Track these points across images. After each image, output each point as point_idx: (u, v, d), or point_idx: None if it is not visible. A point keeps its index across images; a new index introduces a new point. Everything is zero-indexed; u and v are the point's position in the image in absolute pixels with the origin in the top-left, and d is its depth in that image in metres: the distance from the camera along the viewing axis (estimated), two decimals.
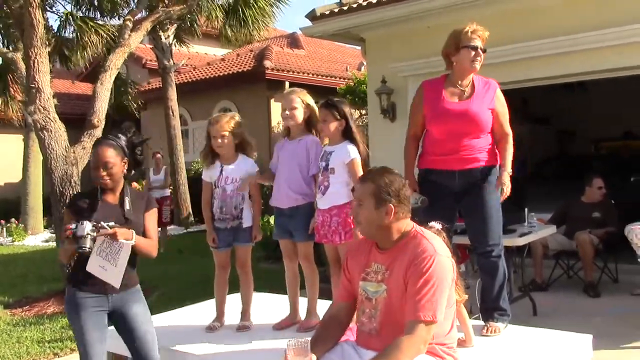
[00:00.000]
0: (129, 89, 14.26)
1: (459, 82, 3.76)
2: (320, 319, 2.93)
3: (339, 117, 3.55)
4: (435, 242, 2.64)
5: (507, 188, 3.62)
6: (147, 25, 7.85)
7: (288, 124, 3.78)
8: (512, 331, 3.63)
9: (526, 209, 5.77)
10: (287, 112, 3.70)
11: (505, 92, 7.72)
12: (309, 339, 2.55)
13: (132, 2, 11.38)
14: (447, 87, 3.77)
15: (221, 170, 3.84)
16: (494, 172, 3.74)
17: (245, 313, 3.94)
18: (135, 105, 14.35)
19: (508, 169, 3.68)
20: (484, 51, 3.73)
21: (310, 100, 3.76)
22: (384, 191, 2.65)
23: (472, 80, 3.77)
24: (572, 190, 7.26)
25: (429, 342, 2.52)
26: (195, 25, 14.46)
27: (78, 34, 11.04)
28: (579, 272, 6.59)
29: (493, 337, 3.53)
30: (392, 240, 2.68)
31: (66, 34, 11.28)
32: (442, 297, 2.53)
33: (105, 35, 11.24)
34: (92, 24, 11.09)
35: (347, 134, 3.58)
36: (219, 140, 3.78)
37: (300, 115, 3.70)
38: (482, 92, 3.74)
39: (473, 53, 3.67)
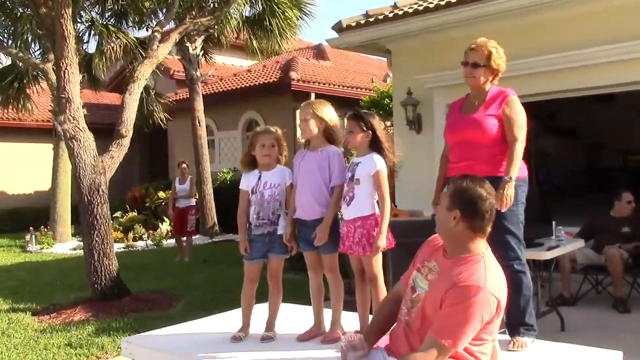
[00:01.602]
0: (157, 100, 14.43)
1: (473, 96, 3.85)
2: (344, 337, 2.93)
3: (365, 128, 3.55)
4: (490, 276, 2.57)
5: (508, 198, 3.51)
6: (175, 37, 7.96)
7: (303, 135, 3.84)
8: (540, 346, 3.57)
9: (554, 222, 5.69)
10: (300, 124, 3.76)
11: (532, 104, 7.73)
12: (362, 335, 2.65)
13: (160, 13, 11.54)
14: (465, 103, 3.90)
15: (259, 177, 3.88)
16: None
17: (270, 324, 3.94)
18: (162, 116, 14.51)
19: (510, 175, 3.56)
20: (480, 66, 3.72)
21: (326, 110, 3.73)
22: (457, 195, 2.66)
23: (486, 93, 3.79)
24: (600, 203, 7.15)
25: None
26: (222, 36, 14.61)
27: (100, 40, 11.23)
28: (608, 287, 6.48)
29: (520, 352, 3.47)
30: (455, 251, 2.67)
31: (89, 41, 11.52)
32: (471, 331, 2.49)
33: (126, 42, 11.42)
34: (113, 29, 11.27)
35: (374, 146, 3.57)
36: (267, 149, 3.84)
37: (312, 126, 3.70)
38: (490, 102, 3.75)
39: (464, 69, 3.79)
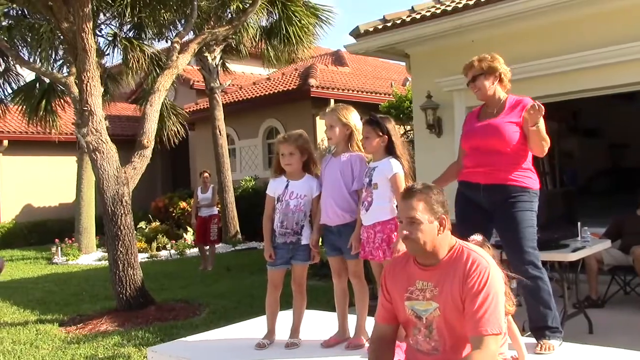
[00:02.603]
0: (176, 112, 14.53)
1: (489, 105, 3.88)
2: (369, 344, 2.91)
3: (381, 133, 3.55)
4: (483, 254, 2.63)
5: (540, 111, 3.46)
6: (194, 47, 8.02)
7: (329, 142, 3.84)
8: (567, 349, 3.52)
9: (579, 223, 5.62)
10: (327, 131, 3.75)
11: (555, 105, 7.65)
12: None
13: (178, 24, 11.64)
14: (482, 111, 3.93)
15: (287, 185, 3.89)
16: (524, 194, 3.68)
17: (295, 331, 3.94)
18: (181, 128, 14.61)
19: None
20: (479, 75, 3.78)
21: (352, 116, 3.76)
22: (435, 203, 2.63)
23: (504, 102, 3.82)
24: (625, 203, 7.06)
25: (498, 354, 2.53)
26: (240, 46, 14.69)
27: (124, 54, 11.35)
28: (636, 288, 6.37)
29: (547, 355, 3.43)
30: (438, 256, 2.65)
31: (112, 55, 11.65)
32: (502, 307, 2.54)
33: (150, 55, 11.53)
34: (137, 43, 11.40)
35: (390, 150, 3.57)
36: (287, 158, 3.84)
37: (338, 133, 3.71)
38: (509, 110, 3.77)
39: (471, 87, 3.86)
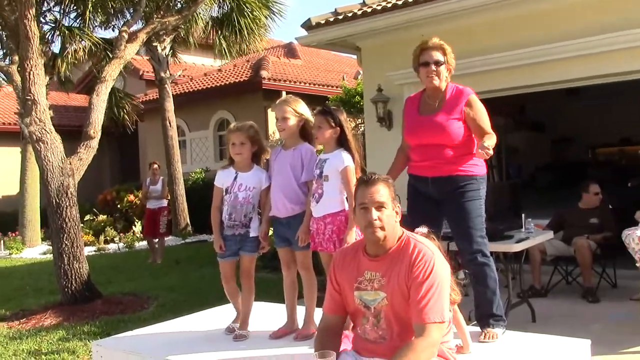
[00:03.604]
0: (125, 102, 14.26)
1: (431, 95, 3.84)
2: (316, 334, 2.92)
3: (334, 124, 3.56)
4: (429, 244, 2.68)
5: (489, 150, 3.43)
6: (142, 36, 7.87)
7: (281, 134, 3.80)
8: (510, 337, 3.61)
9: (523, 215, 5.76)
10: (279, 123, 3.72)
11: (502, 99, 7.80)
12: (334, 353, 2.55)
13: (127, 13, 11.41)
14: (422, 102, 3.88)
15: (235, 177, 3.85)
16: (473, 182, 3.74)
17: (244, 322, 3.92)
18: (130, 118, 14.35)
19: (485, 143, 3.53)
20: (443, 63, 3.74)
21: (303, 108, 3.75)
22: (394, 192, 2.67)
23: (445, 92, 3.80)
24: (569, 196, 7.27)
25: (440, 342, 2.57)
26: (191, 36, 14.50)
27: (63, 41, 11.07)
28: (577, 277, 6.58)
29: (491, 343, 3.51)
30: (388, 246, 2.68)
31: (54, 41, 11.35)
32: (446, 297, 2.60)
33: (92, 43, 11.27)
34: (77, 31, 11.12)
35: (342, 142, 3.58)
36: (237, 148, 3.81)
37: (292, 124, 3.70)
38: (451, 103, 3.76)
39: (426, 69, 3.75)
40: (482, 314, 3.72)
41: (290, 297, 3.87)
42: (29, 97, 6.66)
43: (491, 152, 3.44)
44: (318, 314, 3.80)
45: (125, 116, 14.14)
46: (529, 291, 6.17)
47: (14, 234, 14.22)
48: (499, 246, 5.17)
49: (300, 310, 3.86)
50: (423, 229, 2.91)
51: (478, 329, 3.66)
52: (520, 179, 11.38)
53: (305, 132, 3.77)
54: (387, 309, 2.65)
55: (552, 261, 6.68)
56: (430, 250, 2.62)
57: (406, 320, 2.61)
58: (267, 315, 4.28)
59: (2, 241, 13.81)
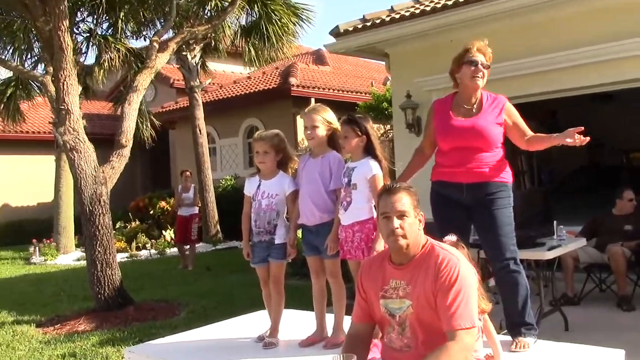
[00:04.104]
0: (147, 115, 14.42)
1: (466, 99, 3.79)
2: (344, 342, 2.93)
3: (360, 133, 3.56)
4: (453, 251, 2.67)
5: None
6: (172, 46, 7.97)
7: (310, 143, 3.81)
8: (543, 346, 3.56)
9: (555, 222, 5.68)
10: (309, 131, 3.73)
11: (534, 104, 7.73)
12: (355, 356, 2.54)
13: (157, 22, 11.57)
14: (455, 106, 3.82)
15: (259, 185, 3.90)
16: (504, 190, 3.72)
17: (273, 330, 3.94)
18: (152, 132, 14.49)
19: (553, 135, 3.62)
20: (487, 67, 3.73)
21: (331, 117, 3.77)
22: (417, 201, 2.68)
23: (480, 97, 3.78)
24: (602, 202, 7.14)
25: (473, 351, 2.56)
26: (220, 44, 14.62)
27: (99, 51, 11.27)
28: (611, 285, 6.46)
29: (522, 352, 3.47)
30: (411, 254, 2.68)
31: (87, 52, 11.58)
32: (474, 302, 2.59)
33: (125, 52, 11.46)
34: (112, 40, 11.31)
35: (369, 150, 3.59)
36: (261, 157, 3.85)
37: (321, 133, 3.72)
38: (489, 108, 3.75)
39: (472, 68, 3.70)
40: (513, 322, 3.67)
41: (320, 305, 3.88)
42: (62, 107, 6.80)
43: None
44: (347, 322, 3.80)
45: (146, 131, 14.26)
46: (561, 299, 6.07)
47: (48, 241, 14.47)
48: (531, 253, 5.11)
49: (330, 319, 3.86)
50: (452, 237, 2.90)
51: (509, 338, 3.61)
52: (551, 185, 11.24)
53: (332, 141, 3.79)
54: (412, 317, 2.65)
55: (585, 269, 6.56)
56: (455, 257, 2.62)
57: (431, 328, 2.60)
58: (297, 323, 4.29)
59: (37, 248, 14.07)
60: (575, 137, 3.44)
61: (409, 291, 2.65)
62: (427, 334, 2.63)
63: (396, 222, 2.63)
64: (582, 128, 3.45)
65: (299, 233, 3.94)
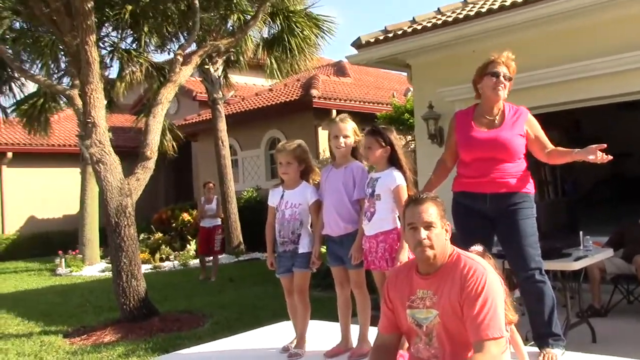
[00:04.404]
0: (171, 128, 14.60)
1: (488, 111, 3.79)
2: (370, 352, 2.93)
3: (384, 143, 3.58)
4: (480, 261, 2.67)
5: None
6: (196, 59, 8.08)
7: (339, 152, 3.81)
8: (570, 358, 3.53)
9: (581, 232, 5.63)
10: (340, 140, 3.74)
11: (557, 114, 7.67)
12: None
13: (181, 36, 11.73)
14: (477, 117, 3.82)
15: (282, 195, 3.94)
16: (527, 200, 3.71)
17: (300, 340, 3.96)
18: (174, 145, 14.64)
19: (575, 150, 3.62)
20: (509, 79, 3.74)
21: (356, 127, 3.81)
22: (443, 211, 2.68)
23: (503, 109, 3.78)
24: (627, 212, 7.06)
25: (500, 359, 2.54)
26: (242, 57, 14.75)
27: (121, 64, 11.47)
28: (639, 297, 6.37)
29: None
30: (438, 264, 2.68)
31: (112, 65, 11.81)
32: (502, 311, 2.57)
33: (147, 67, 11.63)
34: (135, 53, 11.49)
35: (393, 161, 3.60)
36: (284, 167, 3.89)
37: (350, 143, 3.76)
38: (511, 120, 3.75)
39: (494, 80, 3.70)
40: (540, 333, 3.64)
41: (344, 315, 3.88)
42: (89, 120, 6.92)
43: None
44: (372, 332, 3.81)
45: (169, 143, 14.42)
46: (587, 311, 6.00)
47: (74, 252, 14.64)
48: (557, 264, 5.07)
49: (354, 329, 3.86)
50: (479, 248, 2.89)
51: (536, 349, 3.59)
52: (575, 195, 11.12)
53: (355, 151, 3.82)
54: (439, 327, 2.65)
55: (612, 280, 6.48)
56: (481, 266, 2.61)
57: (458, 338, 2.59)
58: (321, 334, 4.30)
59: (63, 259, 14.24)
60: (597, 154, 3.41)
61: (435, 301, 2.65)
62: (454, 345, 2.62)
63: (423, 233, 2.64)
64: (605, 145, 3.43)
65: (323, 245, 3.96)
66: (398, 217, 3.53)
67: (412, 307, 2.72)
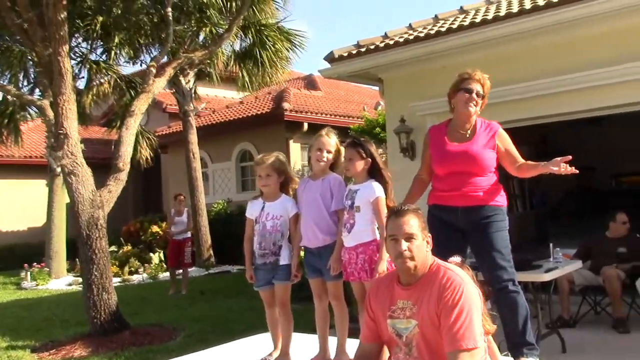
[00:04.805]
0: (148, 136, 14.47)
1: (460, 125, 3.91)
2: None
3: (365, 155, 3.63)
4: (459, 272, 2.72)
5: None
6: (170, 71, 8.06)
7: (318, 165, 3.84)
8: None
9: (551, 245, 5.75)
10: (324, 154, 3.78)
11: (525, 129, 7.83)
12: None
13: (152, 48, 11.68)
14: (450, 131, 3.95)
15: (263, 207, 3.94)
16: (499, 213, 3.81)
17: (283, 352, 3.96)
18: (151, 152, 14.52)
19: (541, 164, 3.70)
20: (482, 97, 3.86)
21: (337, 140, 3.85)
22: (424, 223, 2.73)
23: (474, 123, 3.90)
24: (593, 225, 7.23)
25: None
26: (214, 70, 14.73)
27: (89, 76, 11.37)
28: (606, 307, 6.51)
29: None
30: (419, 275, 2.72)
31: (83, 77, 11.69)
32: (478, 323, 2.60)
33: (115, 79, 11.55)
34: (104, 65, 11.40)
35: (372, 173, 3.65)
36: (264, 180, 3.90)
37: (331, 157, 3.79)
38: (482, 134, 3.88)
39: (467, 95, 3.83)
40: (514, 343, 3.72)
41: (322, 327, 3.90)
42: (61, 131, 6.84)
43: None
44: (349, 344, 3.83)
45: (146, 151, 14.30)
46: (557, 321, 6.12)
47: (40, 266, 14.37)
48: (529, 276, 5.15)
49: (332, 341, 3.88)
50: (457, 259, 2.95)
51: (511, 359, 3.65)
52: (544, 208, 11.33)
53: (333, 164, 3.86)
54: (419, 337, 2.68)
55: (580, 291, 6.62)
56: (459, 277, 2.66)
57: (436, 349, 2.63)
58: (299, 346, 4.30)
59: (28, 272, 13.96)
60: (561, 166, 3.52)
61: (415, 311, 2.69)
62: (432, 355, 2.66)
63: (404, 245, 2.69)
64: (570, 157, 3.54)
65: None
66: (377, 228, 3.57)
67: (393, 317, 2.75)
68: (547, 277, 5.21)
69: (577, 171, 3.55)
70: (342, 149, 3.79)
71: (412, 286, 2.73)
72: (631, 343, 5.73)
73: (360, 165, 3.63)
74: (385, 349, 2.92)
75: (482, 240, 3.81)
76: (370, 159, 3.64)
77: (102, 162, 12.58)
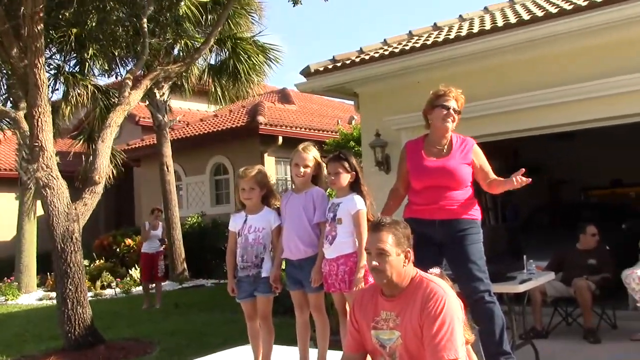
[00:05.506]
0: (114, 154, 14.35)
1: (437, 141, 4.02)
2: None
3: (349, 169, 3.69)
4: (441, 284, 2.78)
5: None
6: (146, 83, 8.05)
7: (298, 180, 3.90)
8: None
9: (525, 257, 5.86)
10: (301, 169, 3.83)
11: (496, 143, 7.97)
12: None
13: (127, 61, 11.63)
14: (426, 146, 4.07)
15: (245, 220, 3.97)
16: (474, 226, 3.93)
17: None
18: (121, 168, 14.38)
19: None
20: (458, 112, 3.99)
21: (318, 154, 3.91)
22: (402, 237, 2.77)
23: (450, 139, 4.02)
24: (564, 237, 7.37)
25: None
26: (189, 83, 14.71)
27: (66, 88, 11.28)
28: (578, 318, 6.65)
29: None
30: (402, 287, 2.78)
31: (58, 88, 11.57)
32: (460, 334, 2.66)
33: (92, 90, 11.48)
34: (80, 78, 11.33)
35: (354, 186, 3.71)
36: (247, 193, 3.94)
37: (310, 172, 3.85)
38: (458, 149, 4.00)
39: (444, 112, 3.96)
40: (491, 353, 3.80)
41: (303, 339, 3.94)
42: (36, 144, 6.78)
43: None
44: (330, 356, 3.87)
45: (114, 168, 14.17)
46: (530, 332, 6.23)
47: (9, 280, 14.11)
48: (503, 287, 5.24)
49: (313, 353, 3.91)
50: (436, 270, 3.01)
51: None
52: (517, 221, 11.51)
53: (315, 178, 3.91)
54: (402, 348, 2.73)
55: (552, 302, 6.75)
56: (442, 289, 2.72)
57: (419, 359, 2.69)
58: (279, 358, 4.33)
59: None
60: (515, 180, 3.68)
61: (398, 323, 2.74)
62: None
63: (375, 260, 2.76)
64: (523, 170, 3.70)
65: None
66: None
67: (377, 328, 2.81)
68: (522, 288, 5.31)
69: (530, 180, 3.70)
70: (323, 162, 3.85)
71: (396, 298, 2.79)
72: (602, 353, 5.85)
73: (346, 179, 3.70)
74: (369, 358, 2.97)
75: (459, 253, 3.89)
76: (354, 173, 3.71)
77: (72, 175, 12.38)
